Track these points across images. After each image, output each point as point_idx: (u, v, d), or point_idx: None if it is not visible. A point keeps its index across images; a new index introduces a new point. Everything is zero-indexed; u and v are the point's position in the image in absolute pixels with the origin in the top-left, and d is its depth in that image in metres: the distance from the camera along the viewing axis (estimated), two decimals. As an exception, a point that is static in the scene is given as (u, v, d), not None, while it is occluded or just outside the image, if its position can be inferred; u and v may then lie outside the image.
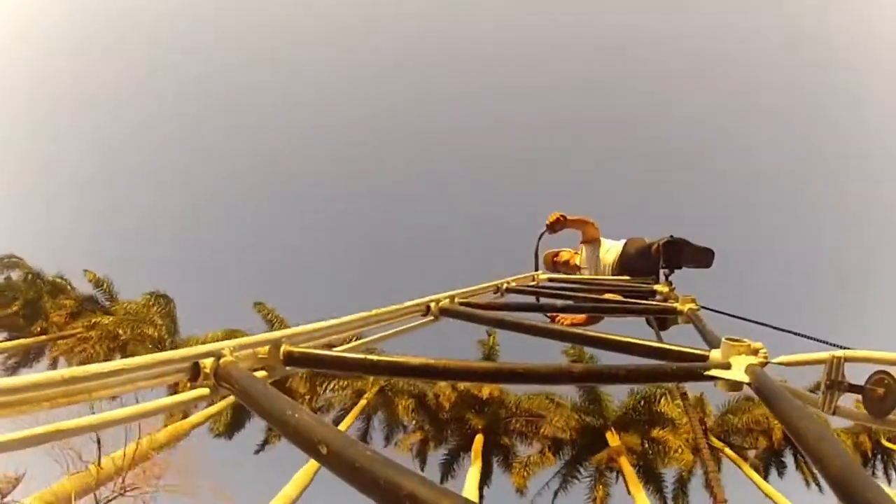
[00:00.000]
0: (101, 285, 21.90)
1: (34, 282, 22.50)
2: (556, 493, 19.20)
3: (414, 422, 20.65)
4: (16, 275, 22.82)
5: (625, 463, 17.95)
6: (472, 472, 17.82)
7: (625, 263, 3.98)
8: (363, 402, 19.49)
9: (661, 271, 3.56)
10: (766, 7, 41.60)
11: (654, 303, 2.58)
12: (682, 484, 19.26)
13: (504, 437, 19.94)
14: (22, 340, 21.08)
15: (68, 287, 22.94)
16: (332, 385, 19.89)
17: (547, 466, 19.46)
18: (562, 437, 19.30)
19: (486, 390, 19.09)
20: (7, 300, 21.87)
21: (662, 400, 18.80)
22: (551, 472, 19.53)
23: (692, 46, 44.61)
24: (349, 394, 20.20)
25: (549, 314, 3.29)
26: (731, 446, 19.99)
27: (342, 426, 18.06)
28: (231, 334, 17.31)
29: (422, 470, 19.55)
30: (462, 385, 18.62)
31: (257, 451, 20.43)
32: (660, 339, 1.34)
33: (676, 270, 3.48)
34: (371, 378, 19.26)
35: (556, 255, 4.59)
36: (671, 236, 3.52)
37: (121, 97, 41.57)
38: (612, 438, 18.88)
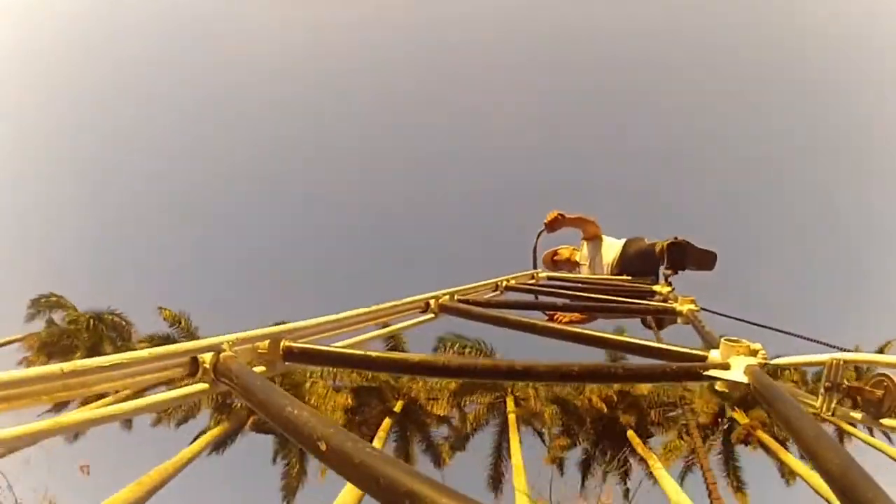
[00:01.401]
0: (177, 322, 19.08)
1: (94, 325, 19.76)
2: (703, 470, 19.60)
3: (561, 426, 21.08)
4: (58, 316, 20.11)
5: (761, 434, 19.36)
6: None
7: (624, 263, 3.98)
8: (512, 415, 19.65)
9: (662, 272, 3.56)
10: (764, 6, 41.53)
11: (654, 303, 2.58)
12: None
13: (651, 429, 20.88)
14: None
15: (128, 326, 20.56)
16: (471, 399, 20.35)
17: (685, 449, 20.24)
18: (703, 421, 20.43)
19: (620, 388, 19.92)
20: (64, 348, 18.84)
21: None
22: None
23: (690, 45, 44.54)
24: (482, 410, 20.46)
25: (546, 312, 3.29)
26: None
27: (512, 443, 18.40)
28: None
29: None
30: (615, 387, 19.47)
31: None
32: (659, 340, 1.34)
33: (679, 272, 3.48)
34: (509, 388, 19.89)
35: (556, 253, 4.59)
36: (675, 237, 3.51)
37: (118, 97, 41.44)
38: (740, 416, 20.19)
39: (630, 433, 20.15)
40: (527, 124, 50.48)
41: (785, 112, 43.79)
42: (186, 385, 0.84)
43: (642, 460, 19.44)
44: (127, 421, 17.53)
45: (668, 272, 3.46)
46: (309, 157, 49.51)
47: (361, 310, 1.45)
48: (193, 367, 0.84)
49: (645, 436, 20.49)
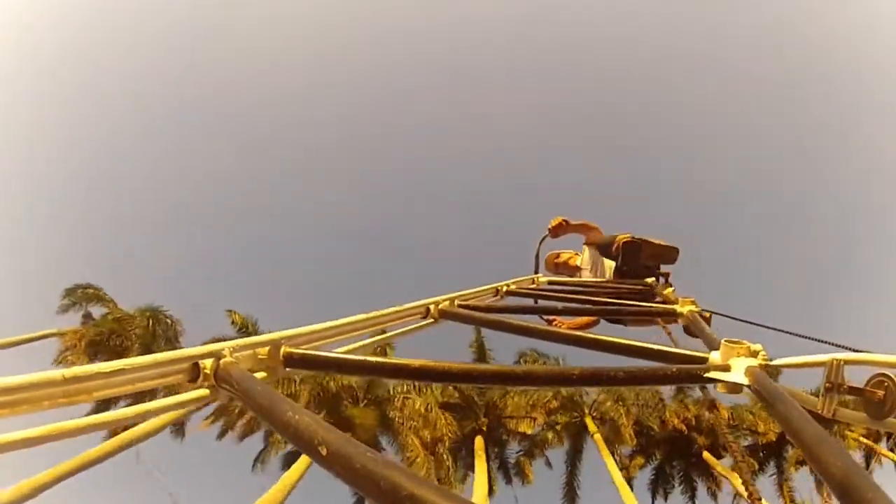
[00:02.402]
0: (245, 327, 17.73)
1: (150, 324, 17.84)
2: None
3: (636, 446, 21.07)
4: (97, 311, 18.19)
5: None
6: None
7: (618, 266, 3.99)
8: (597, 435, 19.50)
9: (661, 273, 3.57)
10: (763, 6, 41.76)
11: (654, 305, 2.58)
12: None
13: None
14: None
15: (174, 325, 18.70)
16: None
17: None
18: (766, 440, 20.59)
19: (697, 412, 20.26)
20: (113, 348, 16.60)
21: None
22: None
23: (687, 43, 44.74)
24: (552, 435, 20.35)
25: (546, 317, 3.29)
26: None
27: (608, 462, 18.12)
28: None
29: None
30: (692, 410, 19.81)
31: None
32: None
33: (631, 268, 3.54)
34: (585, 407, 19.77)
35: (558, 256, 4.61)
36: (632, 236, 3.55)
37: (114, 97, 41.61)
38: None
39: (706, 454, 20.36)
40: (527, 125, 50.64)
41: (782, 111, 43.94)
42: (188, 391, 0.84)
43: (712, 480, 19.83)
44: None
45: (668, 271, 3.48)
46: (308, 158, 49.65)
47: (361, 316, 1.46)
48: (195, 373, 0.84)
49: (716, 457, 20.58)
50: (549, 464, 20.55)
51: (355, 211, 51.67)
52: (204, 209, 46.68)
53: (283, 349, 1.03)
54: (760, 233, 45.96)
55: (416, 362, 1.10)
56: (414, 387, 18.22)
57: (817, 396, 0.97)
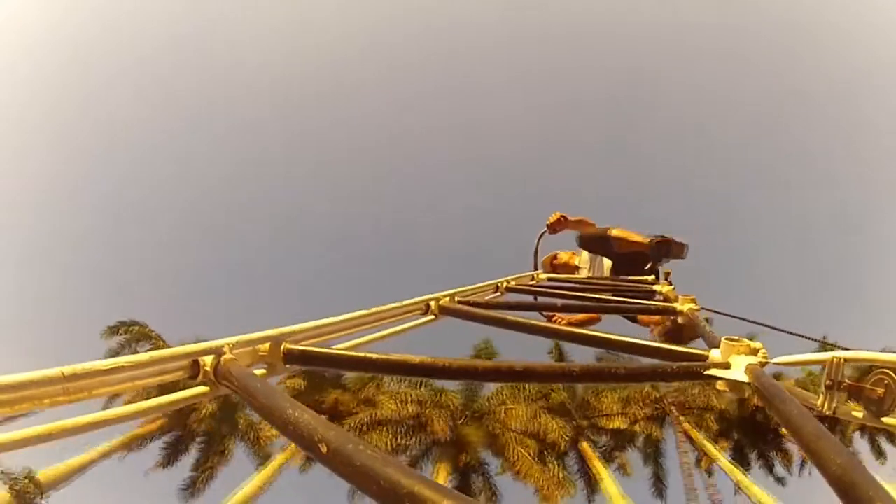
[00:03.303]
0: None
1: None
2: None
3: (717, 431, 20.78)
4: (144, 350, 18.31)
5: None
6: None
7: (617, 265, 4.00)
8: (686, 424, 19.26)
9: (661, 271, 3.58)
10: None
11: (654, 303, 2.58)
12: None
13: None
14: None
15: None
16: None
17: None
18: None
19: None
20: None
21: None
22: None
23: (684, 42, 44.60)
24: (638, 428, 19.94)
25: (545, 314, 3.30)
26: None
27: (711, 452, 17.89)
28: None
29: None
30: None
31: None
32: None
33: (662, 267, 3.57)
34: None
35: (555, 257, 4.58)
36: (662, 237, 3.57)
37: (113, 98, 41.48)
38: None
39: (782, 430, 19.82)
40: (527, 125, 50.54)
41: (781, 111, 43.85)
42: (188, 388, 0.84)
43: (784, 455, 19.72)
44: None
45: (668, 270, 3.50)
46: (307, 155, 49.54)
47: (361, 312, 1.45)
48: (194, 370, 0.84)
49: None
50: (647, 459, 20.30)
51: (355, 210, 51.64)
52: (204, 209, 46.62)
53: (283, 345, 1.03)
54: (760, 233, 45.98)
55: (416, 358, 1.10)
56: (516, 391, 17.57)
57: (817, 394, 0.97)
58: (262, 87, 45.81)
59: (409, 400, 17.41)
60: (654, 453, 20.28)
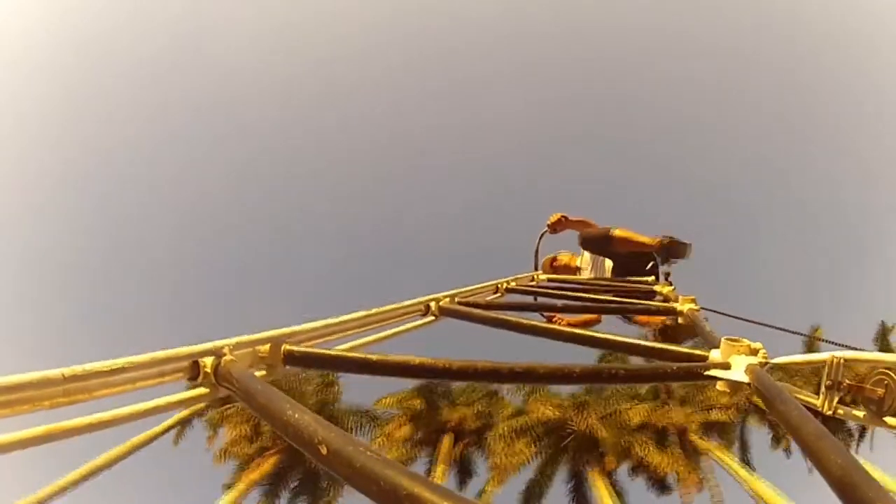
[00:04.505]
0: None
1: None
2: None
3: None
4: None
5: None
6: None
7: (618, 265, 4.00)
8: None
9: (662, 272, 3.58)
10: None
11: (654, 303, 2.58)
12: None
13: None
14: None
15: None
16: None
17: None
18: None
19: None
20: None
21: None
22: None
23: (683, 41, 44.64)
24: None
25: (545, 314, 3.30)
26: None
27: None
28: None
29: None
30: None
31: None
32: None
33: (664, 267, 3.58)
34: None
35: (555, 259, 4.57)
36: (671, 238, 3.56)
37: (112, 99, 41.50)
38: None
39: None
40: (527, 125, 50.57)
41: (780, 111, 43.89)
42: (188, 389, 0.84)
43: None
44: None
45: (668, 270, 3.50)
46: (307, 155, 49.57)
47: (361, 313, 1.46)
48: (194, 372, 0.84)
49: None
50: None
51: (355, 211, 51.67)
52: (204, 209, 46.63)
53: (283, 347, 1.03)
54: (760, 232, 45.98)
55: (416, 359, 1.10)
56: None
57: (817, 394, 0.97)
58: (262, 86, 45.85)
59: (554, 405, 17.51)
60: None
